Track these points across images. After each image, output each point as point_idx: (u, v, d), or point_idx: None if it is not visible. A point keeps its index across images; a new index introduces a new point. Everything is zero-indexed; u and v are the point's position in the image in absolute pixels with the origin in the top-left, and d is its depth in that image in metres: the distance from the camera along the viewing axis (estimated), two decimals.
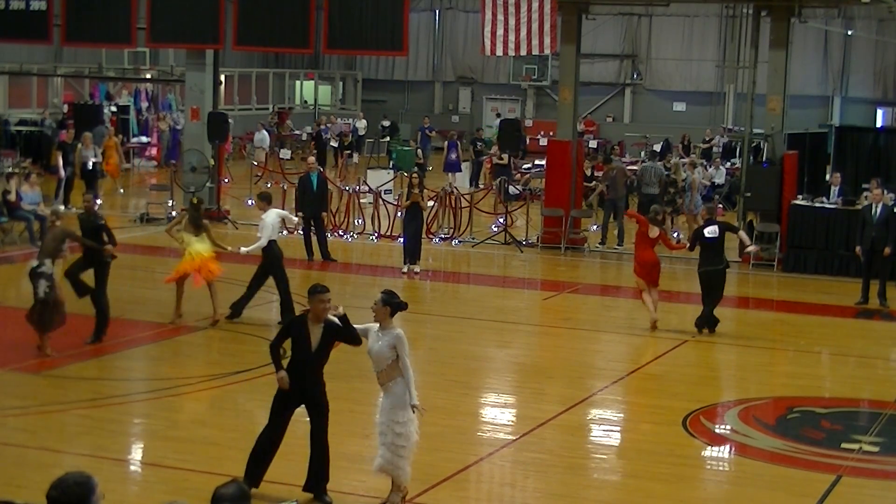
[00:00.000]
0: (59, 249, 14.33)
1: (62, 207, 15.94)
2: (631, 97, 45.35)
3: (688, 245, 17.49)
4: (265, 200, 16.65)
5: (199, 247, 15.84)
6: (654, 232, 16.79)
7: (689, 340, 16.35)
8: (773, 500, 10.64)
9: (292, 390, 9.80)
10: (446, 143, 33.98)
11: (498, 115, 43.47)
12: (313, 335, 9.72)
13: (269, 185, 31.63)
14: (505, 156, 30.23)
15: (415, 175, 21.18)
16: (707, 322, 16.78)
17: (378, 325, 9.60)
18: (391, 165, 33.43)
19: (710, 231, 16.62)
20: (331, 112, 44.98)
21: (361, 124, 41.06)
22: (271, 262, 16.17)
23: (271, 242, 16.11)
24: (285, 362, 9.91)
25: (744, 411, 13.23)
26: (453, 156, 32.71)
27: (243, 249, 16.20)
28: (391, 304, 9.55)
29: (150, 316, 16.71)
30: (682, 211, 25.12)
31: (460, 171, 32.70)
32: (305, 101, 47.00)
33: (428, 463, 10.37)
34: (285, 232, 21.47)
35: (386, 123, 43.14)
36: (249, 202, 28.40)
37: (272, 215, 16.31)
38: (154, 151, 37.51)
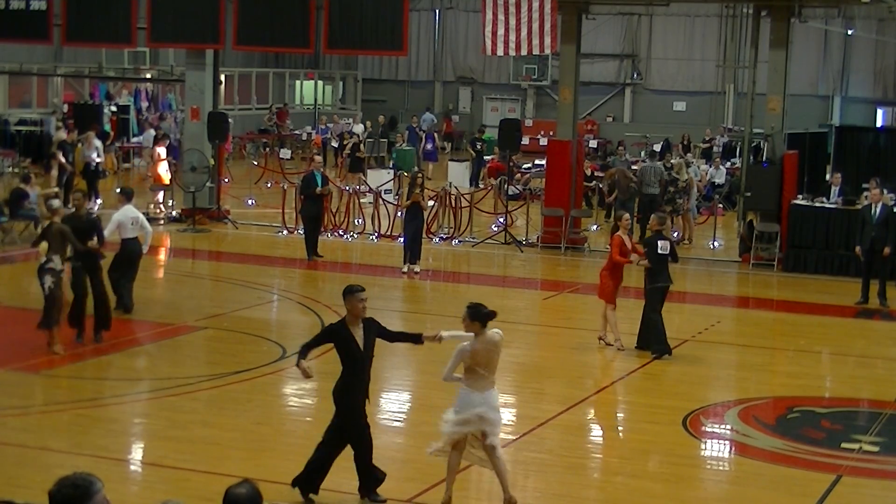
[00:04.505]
0: (65, 246, 14.28)
1: (56, 202, 15.87)
2: (631, 97, 45.33)
3: (647, 262, 15.35)
4: (124, 195, 16.67)
5: None
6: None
7: (689, 340, 16.34)
8: (773, 500, 10.63)
9: (360, 391, 9.79)
10: (424, 134, 34.76)
11: (428, 109, 43.63)
12: (356, 335, 9.74)
13: (269, 185, 31.66)
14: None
15: (418, 175, 21.15)
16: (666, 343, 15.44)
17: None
18: (391, 165, 33.39)
19: (663, 247, 15.29)
20: (331, 112, 44.90)
21: (359, 129, 40.75)
22: (127, 257, 16.28)
23: (132, 240, 16.20)
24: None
25: (744, 411, 13.23)
26: (429, 146, 33.03)
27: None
28: (472, 315, 9.71)
29: (150, 316, 16.71)
30: (681, 211, 25.11)
31: (436, 160, 32.97)
32: (319, 102, 46.78)
33: (428, 463, 10.35)
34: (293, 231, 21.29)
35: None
36: (250, 202, 28.44)
37: (124, 213, 16.29)
38: None
